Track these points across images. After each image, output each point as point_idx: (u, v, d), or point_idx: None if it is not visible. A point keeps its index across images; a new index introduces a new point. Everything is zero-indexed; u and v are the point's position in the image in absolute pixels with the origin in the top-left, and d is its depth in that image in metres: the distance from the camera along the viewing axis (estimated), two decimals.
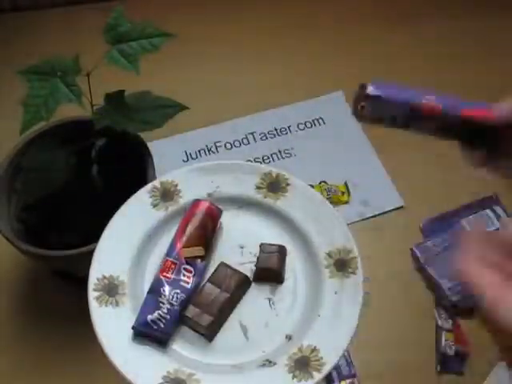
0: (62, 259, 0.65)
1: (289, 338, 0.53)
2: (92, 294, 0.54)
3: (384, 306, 0.78)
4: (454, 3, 1.12)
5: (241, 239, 0.59)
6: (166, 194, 0.61)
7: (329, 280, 0.55)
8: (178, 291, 0.55)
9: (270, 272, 0.56)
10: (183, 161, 0.93)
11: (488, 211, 0.79)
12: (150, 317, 0.53)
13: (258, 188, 0.61)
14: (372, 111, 0.43)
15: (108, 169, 0.74)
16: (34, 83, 0.65)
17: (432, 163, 0.86)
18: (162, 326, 0.53)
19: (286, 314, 0.54)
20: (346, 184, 0.85)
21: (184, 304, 0.54)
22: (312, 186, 0.74)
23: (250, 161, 0.91)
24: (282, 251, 0.57)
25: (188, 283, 0.55)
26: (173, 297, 0.54)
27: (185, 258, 0.56)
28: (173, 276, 0.55)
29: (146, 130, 0.69)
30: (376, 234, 0.80)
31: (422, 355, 0.76)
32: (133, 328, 0.53)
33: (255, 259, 0.57)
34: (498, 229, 0.78)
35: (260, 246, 0.57)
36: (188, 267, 0.56)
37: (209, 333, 0.53)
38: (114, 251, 0.57)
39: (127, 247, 0.58)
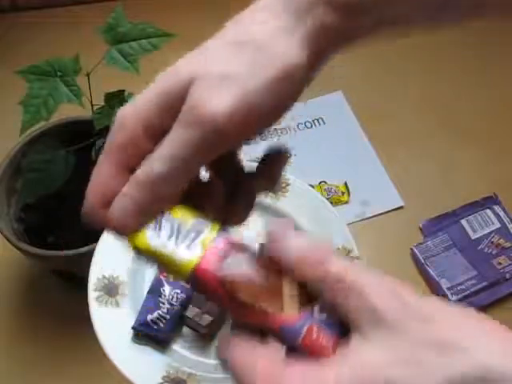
0: (62, 259, 0.65)
1: None
2: (92, 294, 0.54)
3: None
4: None
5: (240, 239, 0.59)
6: None
7: None
8: (178, 291, 0.55)
9: None
10: None
11: (488, 211, 0.79)
12: (149, 317, 0.53)
13: None
14: None
15: None
16: (34, 83, 0.65)
17: (432, 163, 0.86)
18: (162, 325, 0.53)
19: None
20: (345, 184, 0.85)
21: (184, 304, 0.54)
22: (312, 186, 0.74)
23: (250, 161, 0.91)
24: None
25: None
26: (173, 297, 0.54)
27: None
28: None
29: None
30: (376, 233, 0.80)
31: None
32: (133, 328, 0.53)
33: None
34: (497, 229, 0.78)
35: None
36: None
37: (209, 333, 0.53)
38: (114, 251, 0.57)
39: (127, 247, 0.58)
